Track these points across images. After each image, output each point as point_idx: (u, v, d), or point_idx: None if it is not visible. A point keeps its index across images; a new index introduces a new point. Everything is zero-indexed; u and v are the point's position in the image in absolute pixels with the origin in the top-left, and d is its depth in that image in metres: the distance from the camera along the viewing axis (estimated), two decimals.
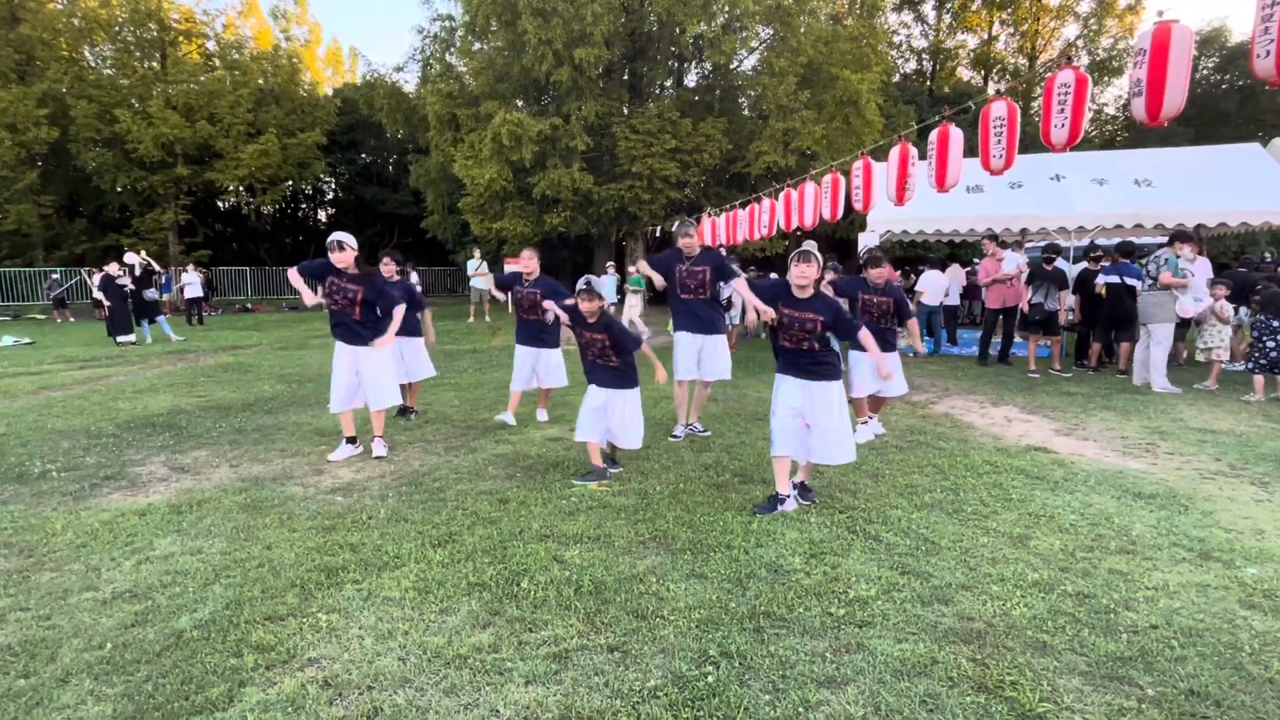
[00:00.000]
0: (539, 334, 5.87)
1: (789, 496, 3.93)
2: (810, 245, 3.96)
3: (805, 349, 3.85)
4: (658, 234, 18.50)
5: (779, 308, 3.88)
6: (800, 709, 2.19)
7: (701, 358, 5.51)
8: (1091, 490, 4.24)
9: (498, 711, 2.20)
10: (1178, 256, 7.56)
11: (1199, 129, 24.54)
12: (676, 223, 5.56)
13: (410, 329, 6.04)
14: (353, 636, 2.63)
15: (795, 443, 3.89)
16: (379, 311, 5.04)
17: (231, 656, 2.50)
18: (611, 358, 4.42)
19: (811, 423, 3.87)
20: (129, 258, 13.81)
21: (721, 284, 5.41)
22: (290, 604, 2.88)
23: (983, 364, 9.55)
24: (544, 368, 5.96)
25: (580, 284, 4.39)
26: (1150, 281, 7.62)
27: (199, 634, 2.66)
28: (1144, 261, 8.04)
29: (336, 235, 4.94)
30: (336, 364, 5.04)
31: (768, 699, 2.24)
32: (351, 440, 5.15)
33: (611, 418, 4.47)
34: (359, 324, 4.99)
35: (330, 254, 4.88)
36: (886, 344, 5.35)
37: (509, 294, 6.11)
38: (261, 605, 2.87)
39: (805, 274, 3.78)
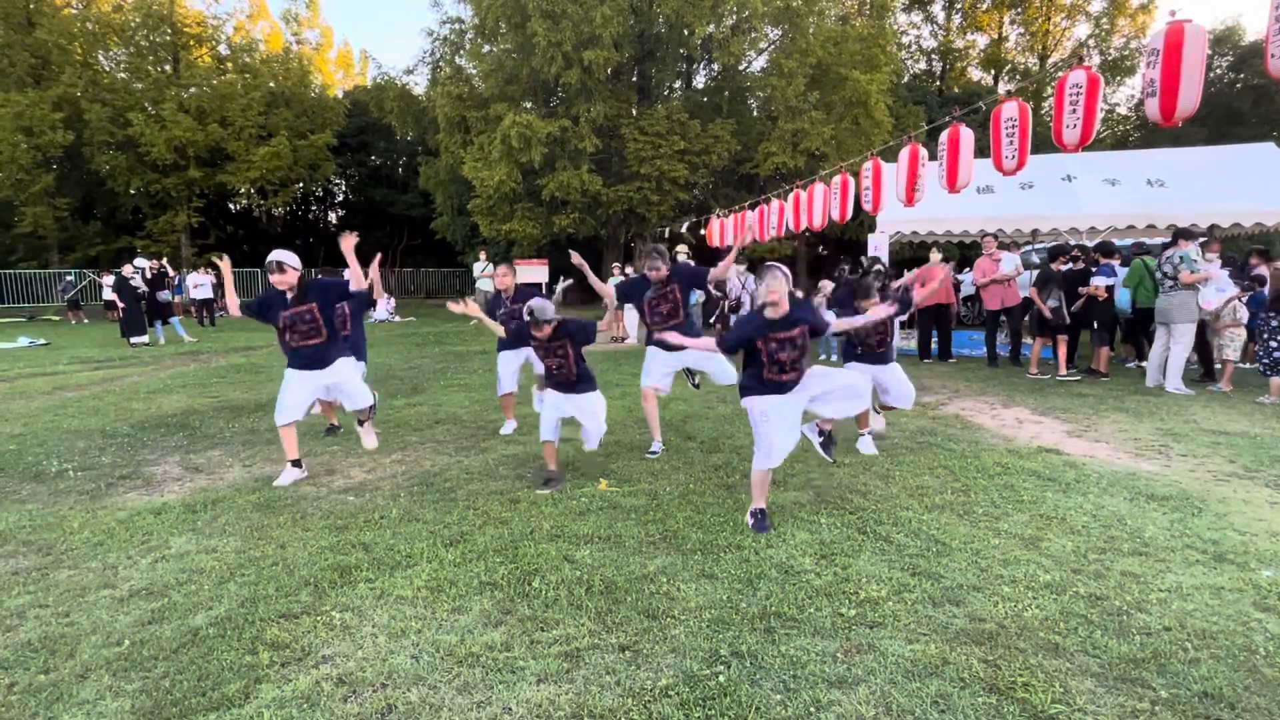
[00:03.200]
0: (520, 340, 5.78)
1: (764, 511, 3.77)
2: (774, 265, 3.71)
3: (794, 373, 3.67)
4: (666, 235, 18.53)
5: (767, 342, 3.62)
6: (811, 709, 2.20)
7: (693, 366, 5.28)
8: (1104, 492, 4.22)
9: (510, 709, 2.21)
10: (1194, 256, 7.52)
11: (1213, 128, 24.33)
12: (642, 254, 5.07)
13: (355, 349, 5.73)
14: (366, 634, 2.66)
15: (792, 444, 3.75)
16: (340, 311, 4.62)
17: (247, 654, 2.53)
18: (571, 371, 4.29)
19: (818, 398, 3.80)
20: (138, 262, 13.97)
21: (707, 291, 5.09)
22: (304, 602, 2.91)
23: (993, 366, 9.51)
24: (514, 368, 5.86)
25: (524, 313, 4.13)
26: (1171, 283, 7.56)
27: (215, 631, 2.69)
28: (1158, 263, 7.97)
29: (276, 255, 4.36)
30: (290, 383, 4.56)
31: (779, 699, 2.25)
32: (297, 464, 4.65)
33: (579, 414, 4.37)
34: (325, 345, 4.53)
35: (270, 276, 4.31)
36: (885, 359, 5.11)
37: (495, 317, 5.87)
38: (276, 603, 2.90)
39: (775, 290, 3.53)
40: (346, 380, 4.74)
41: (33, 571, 3.27)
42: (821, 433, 4.22)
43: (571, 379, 4.33)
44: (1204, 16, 37.13)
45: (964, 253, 20.67)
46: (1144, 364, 8.93)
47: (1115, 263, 8.63)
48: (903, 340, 10.62)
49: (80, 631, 2.72)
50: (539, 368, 5.79)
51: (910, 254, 21.98)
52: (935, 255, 10.32)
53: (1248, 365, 8.69)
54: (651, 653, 2.51)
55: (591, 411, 4.38)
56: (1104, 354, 8.63)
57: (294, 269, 4.36)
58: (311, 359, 4.53)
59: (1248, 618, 2.72)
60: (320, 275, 4.63)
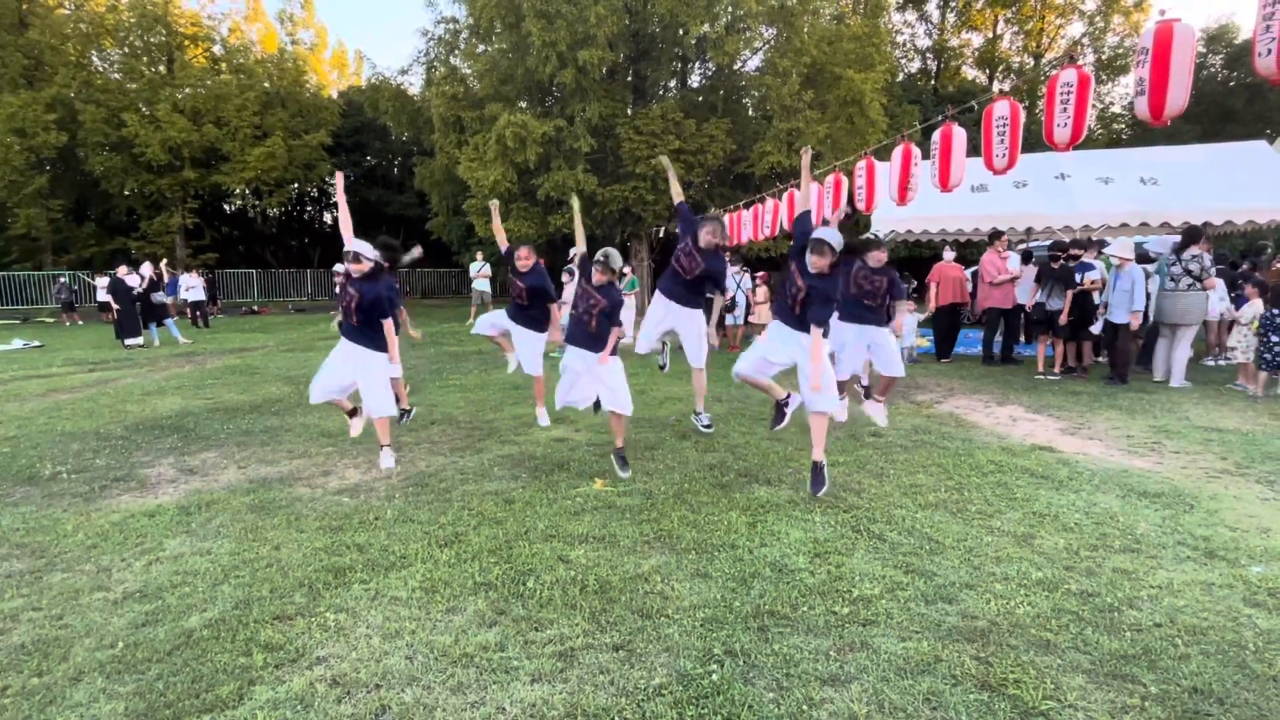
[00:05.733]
0: (523, 315, 5.76)
1: (789, 395, 4.53)
2: (825, 234, 4.13)
3: (799, 309, 4.26)
4: (662, 234, 18.53)
5: (794, 270, 4.28)
6: (804, 707, 2.21)
7: (680, 333, 5.37)
8: (1096, 489, 4.24)
9: (504, 709, 2.22)
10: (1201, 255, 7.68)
11: (1206, 126, 24.43)
12: (711, 218, 5.29)
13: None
14: (360, 635, 2.66)
15: (758, 371, 4.45)
16: (372, 318, 4.87)
17: (241, 655, 2.53)
18: (593, 321, 4.62)
19: (798, 366, 4.30)
20: (145, 269, 13.94)
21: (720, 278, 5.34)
22: (298, 603, 2.91)
23: (988, 364, 9.55)
24: (526, 351, 5.82)
25: (599, 255, 4.64)
26: (1190, 281, 7.64)
27: (209, 633, 2.69)
28: (1163, 260, 8.02)
29: (352, 246, 4.81)
30: (332, 356, 4.91)
31: (772, 697, 2.26)
32: (353, 413, 5.28)
33: (598, 383, 4.64)
34: (356, 328, 4.85)
35: (345, 263, 4.82)
36: (879, 320, 5.32)
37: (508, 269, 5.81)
38: (270, 605, 2.90)
39: (818, 264, 4.13)
40: (370, 383, 4.87)
41: (26, 574, 3.26)
42: (816, 468, 4.21)
43: (593, 328, 4.63)
44: (1198, 15, 37.29)
45: (960, 251, 20.74)
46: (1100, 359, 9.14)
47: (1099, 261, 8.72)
48: (917, 340, 10.61)
49: (74, 634, 2.71)
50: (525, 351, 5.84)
51: (905, 253, 22.05)
52: (949, 254, 10.34)
53: (1211, 362, 9.11)
54: (645, 652, 2.52)
55: (613, 380, 4.63)
56: (1089, 350, 8.73)
57: (368, 259, 4.84)
58: (349, 329, 4.91)
59: (1238, 614, 2.74)
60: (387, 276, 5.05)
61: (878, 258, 5.26)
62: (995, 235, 9.65)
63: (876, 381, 5.72)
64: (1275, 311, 7.00)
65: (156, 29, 25.05)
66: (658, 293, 5.40)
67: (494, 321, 5.96)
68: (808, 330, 4.19)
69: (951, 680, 2.33)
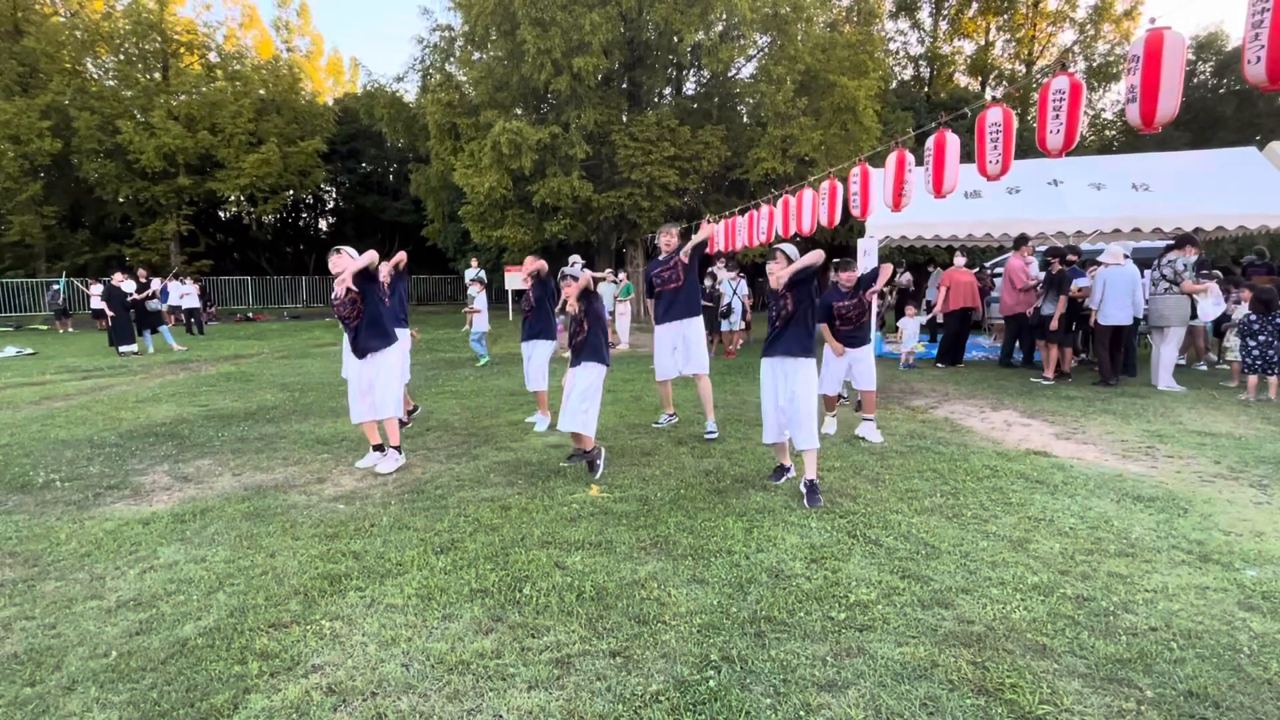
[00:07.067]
0: (533, 328, 6.36)
1: (790, 467, 4.55)
2: (784, 246, 4.39)
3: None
4: (656, 241, 18.59)
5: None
6: (801, 712, 2.20)
7: (685, 346, 5.85)
8: (1091, 494, 4.25)
9: (500, 717, 2.21)
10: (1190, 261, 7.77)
11: (1196, 133, 24.64)
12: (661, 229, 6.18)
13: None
14: (356, 643, 2.65)
15: (778, 429, 4.40)
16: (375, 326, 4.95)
17: (236, 664, 2.52)
18: (583, 329, 4.90)
19: (784, 401, 4.28)
20: (152, 284, 13.94)
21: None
22: (294, 611, 2.90)
23: (1006, 366, 9.62)
24: (535, 363, 6.31)
25: (562, 271, 5.18)
26: (1167, 285, 7.73)
27: (203, 641, 2.67)
28: (1155, 265, 8.09)
29: (339, 246, 4.99)
30: (347, 373, 5.16)
31: (769, 703, 2.26)
32: (379, 448, 5.10)
33: (572, 386, 4.83)
34: (362, 336, 4.90)
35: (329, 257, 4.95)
36: (861, 340, 5.57)
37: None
38: (265, 613, 2.89)
39: (775, 270, 4.34)
40: (378, 382, 4.96)
41: (19, 583, 3.24)
42: (811, 485, 4.23)
43: (581, 345, 4.92)
44: (1188, 23, 37.63)
45: (951, 258, 20.84)
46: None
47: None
48: (921, 346, 10.61)
49: (67, 643, 2.70)
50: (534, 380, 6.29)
51: (899, 258, 22.13)
52: (959, 259, 10.38)
53: (1204, 367, 9.25)
54: (642, 658, 2.52)
55: (576, 393, 4.78)
56: (1070, 355, 8.83)
57: (350, 254, 4.87)
58: (352, 341, 5.01)
59: (1232, 617, 2.76)
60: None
61: (849, 278, 5.44)
62: (1023, 240, 9.60)
63: (852, 397, 5.97)
64: (1253, 317, 7.09)
65: (151, 36, 25.10)
66: (659, 329, 5.90)
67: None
68: (794, 355, 4.27)
69: (948, 685, 2.33)
